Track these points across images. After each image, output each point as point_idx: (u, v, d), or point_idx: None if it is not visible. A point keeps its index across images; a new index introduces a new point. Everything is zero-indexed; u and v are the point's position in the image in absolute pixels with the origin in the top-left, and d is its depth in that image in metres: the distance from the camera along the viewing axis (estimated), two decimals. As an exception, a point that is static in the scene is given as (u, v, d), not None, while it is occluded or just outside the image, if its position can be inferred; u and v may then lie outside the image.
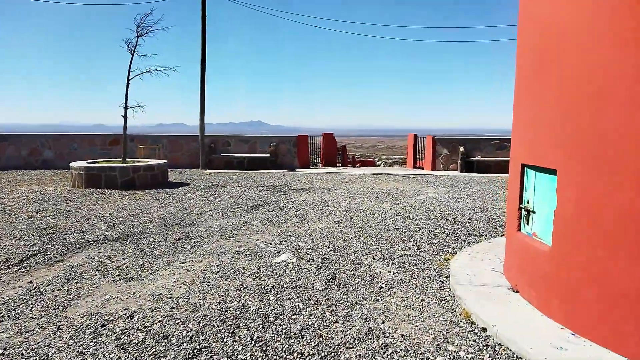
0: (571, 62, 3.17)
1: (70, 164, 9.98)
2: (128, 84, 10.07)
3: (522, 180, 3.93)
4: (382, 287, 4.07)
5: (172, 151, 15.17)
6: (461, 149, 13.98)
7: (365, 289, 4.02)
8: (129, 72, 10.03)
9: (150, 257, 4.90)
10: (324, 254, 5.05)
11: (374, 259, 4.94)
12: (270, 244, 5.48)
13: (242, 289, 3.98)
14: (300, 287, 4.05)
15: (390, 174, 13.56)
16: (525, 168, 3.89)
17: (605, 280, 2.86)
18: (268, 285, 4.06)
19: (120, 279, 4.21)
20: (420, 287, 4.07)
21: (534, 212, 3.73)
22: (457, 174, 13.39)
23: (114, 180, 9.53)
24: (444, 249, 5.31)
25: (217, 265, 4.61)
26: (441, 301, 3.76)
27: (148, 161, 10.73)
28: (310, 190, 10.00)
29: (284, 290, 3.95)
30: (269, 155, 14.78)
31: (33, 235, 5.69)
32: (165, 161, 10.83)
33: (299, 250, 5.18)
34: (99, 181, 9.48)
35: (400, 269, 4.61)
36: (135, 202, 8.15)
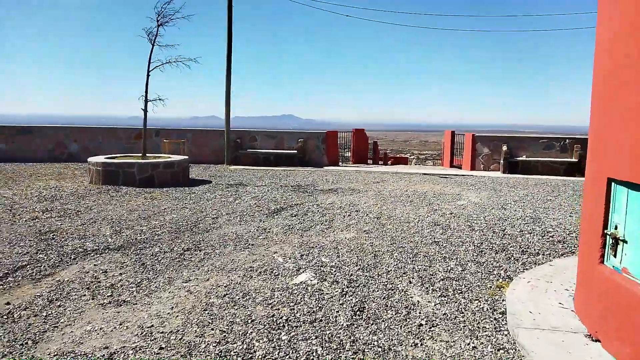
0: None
1: (89, 159, 9.58)
2: (148, 75, 9.56)
3: (608, 199, 3.03)
4: (421, 325, 3.28)
5: (198, 146, 14.70)
6: (504, 147, 12.88)
7: (401, 328, 3.24)
8: (149, 63, 9.52)
9: (151, 272, 4.27)
10: (351, 274, 4.30)
11: (410, 282, 4.15)
12: (290, 258, 4.77)
13: (250, 321, 3.27)
14: (321, 321, 3.31)
15: (425, 174, 12.62)
16: (614, 184, 2.99)
17: None
18: (282, 318, 3.34)
19: (110, 302, 3.59)
20: (470, 328, 3.26)
21: (625, 242, 2.85)
22: (499, 175, 12.32)
23: (131, 177, 9.06)
24: (495, 271, 4.45)
25: (225, 286, 3.93)
26: (499, 350, 2.94)
27: (170, 157, 10.23)
28: (338, 191, 9.24)
29: (301, 326, 3.22)
30: (296, 151, 14.09)
31: (30, 241, 5.18)
32: (187, 157, 10.30)
33: (322, 268, 4.44)
34: (116, 178, 9.03)
35: (442, 297, 3.80)
36: (150, 202, 7.61)
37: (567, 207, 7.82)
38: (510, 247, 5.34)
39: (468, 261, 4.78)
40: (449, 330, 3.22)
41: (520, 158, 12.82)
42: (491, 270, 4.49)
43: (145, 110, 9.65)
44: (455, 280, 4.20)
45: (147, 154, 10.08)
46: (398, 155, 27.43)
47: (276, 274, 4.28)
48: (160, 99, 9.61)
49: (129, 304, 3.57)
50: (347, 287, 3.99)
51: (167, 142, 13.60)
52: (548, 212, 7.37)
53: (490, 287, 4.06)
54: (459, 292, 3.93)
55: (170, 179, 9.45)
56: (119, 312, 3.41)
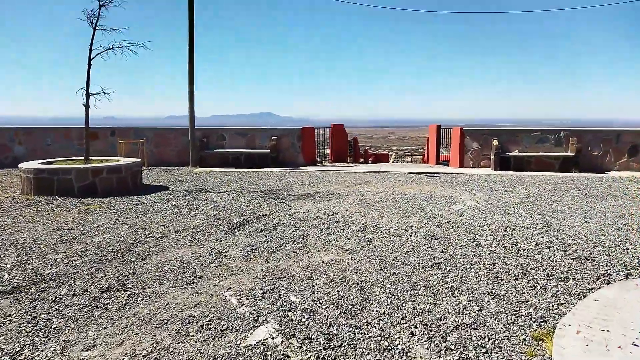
0: None
1: (20, 165, 8.10)
2: (90, 64, 8.13)
3: None
4: None
5: (159, 146, 13.26)
6: (495, 142, 11.85)
7: None
8: (90, 50, 8.09)
9: (42, 332, 2.96)
10: (330, 324, 3.08)
11: (412, 334, 2.95)
12: (247, 297, 3.52)
13: None
14: None
15: (411, 173, 11.50)
16: None
17: None
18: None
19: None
20: None
21: None
22: (491, 173, 11.28)
23: (69, 186, 7.63)
24: (522, 310, 3.30)
25: (145, 357, 2.66)
26: None
27: (119, 160, 8.82)
28: (315, 196, 8.01)
29: None
30: (269, 150, 12.79)
31: None
32: (138, 160, 8.89)
33: (290, 314, 3.21)
34: (50, 187, 7.59)
35: (462, 363, 2.62)
36: (83, 217, 6.23)
37: (578, 211, 6.77)
38: (531, 269, 4.21)
39: (483, 294, 3.62)
40: None
41: (513, 153, 11.82)
42: (517, 310, 3.33)
43: (86, 106, 8.22)
44: (474, 329, 3.02)
45: (104, 157, 8.65)
46: (379, 152, 26.40)
47: (224, 327, 3.03)
48: (104, 92, 8.20)
49: (-20, 400, 2.27)
50: (325, 348, 2.77)
51: (124, 142, 12.14)
52: (559, 218, 6.29)
53: (525, 339, 2.90)
54: (483, 351, 2.75)
55: (117, 186, 8.05)
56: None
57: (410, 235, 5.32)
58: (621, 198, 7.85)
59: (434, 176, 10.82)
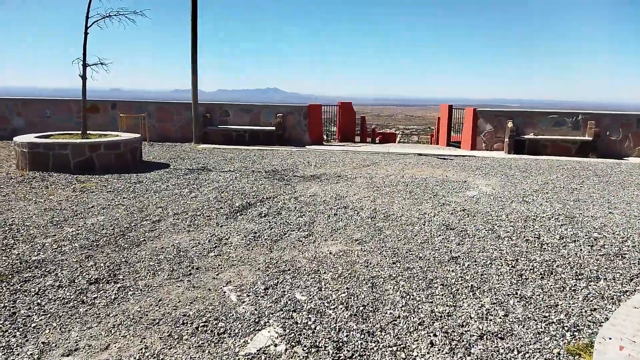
0: None
1: (14, 139, 7.77)
2: (86, 33, 7.69)
3: None
4: None
5: (161, 121, 12.87)
6: (509, 124, 11.37)
7: None
8: (87, 18, 7.63)
9: (21, 331, 2.67)
10: (339, 328, 2.77)
11: (431, 343, 2.64)
12: (249, 294, 3.21)
13: None
14: None
15: (421, 154, 11.08)
16: None
17: None
18: None
19: None
20: None
21: None
22: (504, 156, 10.85)
23: (65, 161, 7.31)
24: (553, 316, 2.97)
25: (131, 364, 2.36)
26: None
27: (118, 135, 8.46)
28: (321, 178, 7.66)
29: None
30: (274, 128, 12.37)
31: None
32: (138, 135, 8.53)
33: (295, 315, 2.90)
34: (46, 162, 7.27)
35: (490, 382, 2.30)
36: (78, 196, 5.92)
37: (600, 200, 6.39)
38: (557, 266, 3.87)
39: (507, 295, 3.29)
40: None
41: (528, 136, 11.35)
42: (547, 316, 3.00)
43: (83, 77, 7.81)
44: (500, 339, 2.70)
45: (103, 132, 8.30)
46: (386, 131, 25.91)
47: (222, 330, 2.72)
48: (102, 63, 7.78)
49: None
50: (334, 359, 2.46)
51: (125, 116, 11.75)
52: (581, 208, 5.92)
53: (559, 352, 2.58)
54: (513, 366, 2.43)
55: (115, 162, 7.72)
56: None
57: (424, 225, 4.98)
58: (645, 187, 7.45)
59: (445, 159, 10.41)
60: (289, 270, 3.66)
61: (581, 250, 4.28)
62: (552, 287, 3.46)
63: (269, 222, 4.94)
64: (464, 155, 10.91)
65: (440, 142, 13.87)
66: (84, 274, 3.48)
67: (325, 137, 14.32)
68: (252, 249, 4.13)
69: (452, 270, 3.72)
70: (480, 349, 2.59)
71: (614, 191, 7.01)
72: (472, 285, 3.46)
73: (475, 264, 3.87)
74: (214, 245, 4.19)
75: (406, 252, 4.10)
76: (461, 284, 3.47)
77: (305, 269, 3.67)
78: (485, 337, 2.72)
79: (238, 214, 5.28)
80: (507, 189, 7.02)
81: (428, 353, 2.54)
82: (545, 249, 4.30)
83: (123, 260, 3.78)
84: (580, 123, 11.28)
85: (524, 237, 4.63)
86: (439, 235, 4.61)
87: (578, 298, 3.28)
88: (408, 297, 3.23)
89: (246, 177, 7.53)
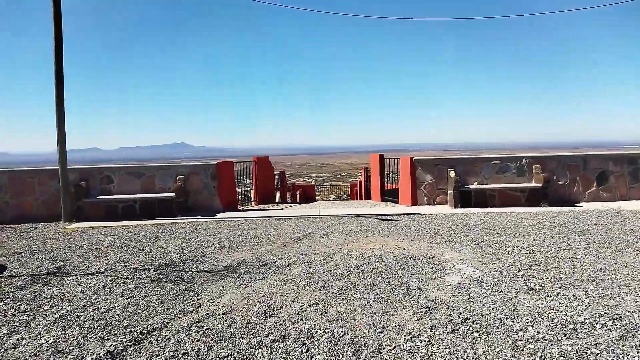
0: None
1: None
2: None
3: None
4: None
5: (18, 195, 9.66)
6: (451, 173, 9.98)
7: None
8: None
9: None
10: None
11: None
12: None
13: None
14: None
15: (359, 215, 9.17)
16: None
17: None
18: None
19: None
20: None
21: None
22: (452, 211, 9.32)
23: None
24: None
25: None
26: None
27: None
28: (240, 270, 5.31)
29: None
30: (174, 194, 9.77)
31: None
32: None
33: None
34: None
35: None
36: None
37: (619, 278, 4.81)
38: None
39: None
40: None
41: (472, 186, 10.01)
42: None
43: None
44: None
45: None
46: (304, 184, 24.19)
47: None
48: None
49: None
50: None
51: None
52: (614, 297, 4.22)
53: None
54: None
55: None
56: None
57: (426, 372, 2.86)
58: None
59: (389, 220, 8.57)
60: None
61: None
62: None
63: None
64: (407, 214, 9.18)
65: (374, 197, 12.18)
66: None
67: (240, 199, 11.94)
68: None
69: None
70: None
71: (618, 258, 5.54)
72: None
73: None
74: None
75: None
76: None
77: None
78: None
79: (83, 392, 2.75)
80: (492, 266, 5.23)
81: None
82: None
83: None
84: (525, 168, 10.23)
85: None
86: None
87: None
88: None
89: (122, 283, 4.92)
